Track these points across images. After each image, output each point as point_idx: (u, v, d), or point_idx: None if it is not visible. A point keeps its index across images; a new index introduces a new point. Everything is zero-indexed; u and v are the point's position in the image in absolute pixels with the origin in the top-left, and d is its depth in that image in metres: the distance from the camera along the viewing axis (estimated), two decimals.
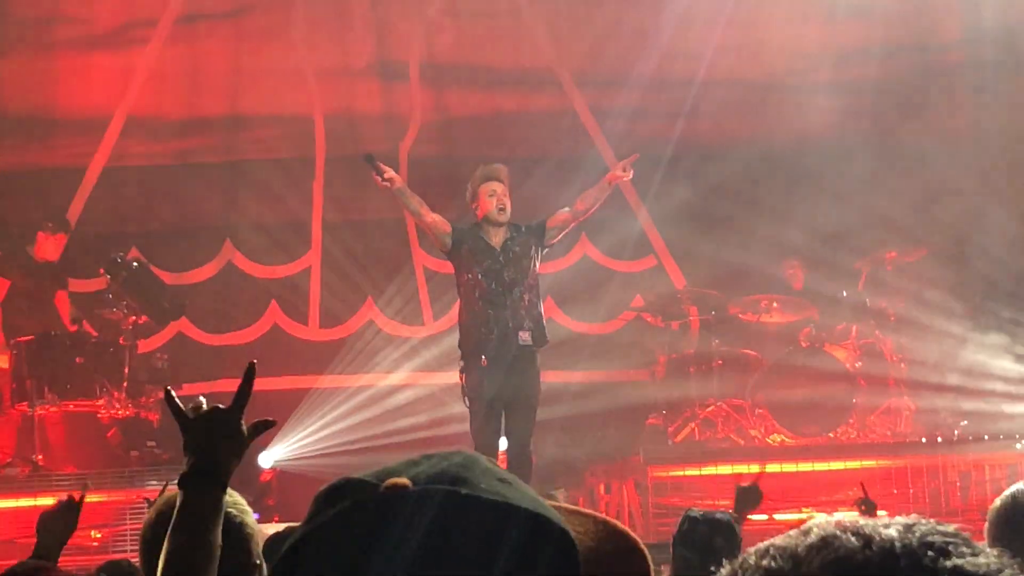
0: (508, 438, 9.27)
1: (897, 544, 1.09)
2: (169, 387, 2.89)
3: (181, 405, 2.79)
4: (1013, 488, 3.55)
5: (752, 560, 1.14)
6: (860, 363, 11.32)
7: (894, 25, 13.03)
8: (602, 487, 11.20)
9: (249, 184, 12.90)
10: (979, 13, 12.88)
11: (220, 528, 2.64)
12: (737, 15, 13.05)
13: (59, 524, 4.70)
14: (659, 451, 10.82)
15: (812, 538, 1.11)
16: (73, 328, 11.35)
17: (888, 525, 1.11)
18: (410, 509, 1.19)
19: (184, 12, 12.91)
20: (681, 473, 10.51)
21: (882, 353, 11.39)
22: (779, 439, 11.11)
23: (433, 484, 1.21)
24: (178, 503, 2.65)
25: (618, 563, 1.47)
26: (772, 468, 10.58)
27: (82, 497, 4.81)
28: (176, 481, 2.67)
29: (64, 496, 4.87)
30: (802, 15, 13.19)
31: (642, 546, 1.50)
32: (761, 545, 1.16)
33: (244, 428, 2.69)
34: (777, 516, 9.52)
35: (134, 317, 11.07)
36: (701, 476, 10.49)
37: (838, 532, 1.11)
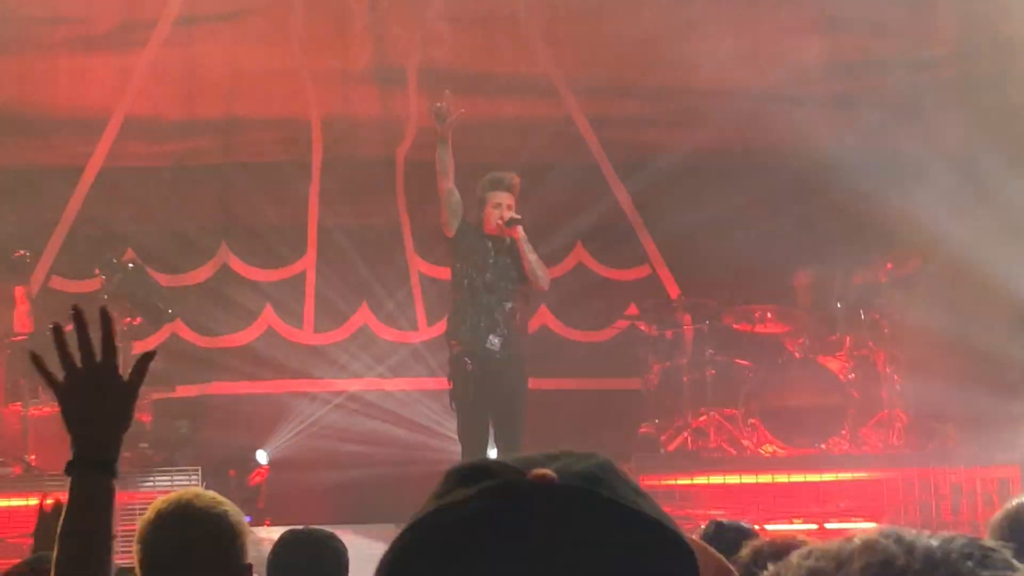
0: (497, 447, 9.33)
1: (938, 552, 1.11)
2: (35, 352, 2.59)
3: (51, 372, 2.52)
4: (1016, 502, 3.55)
5: (795, 561, 1.16)
6: (853, 375, 11.34)
7: (892, 37, 13.07)
8: None
9: (245, 187, 12.90)
10: (977, 25, 12.92)
11: (114, 520, 2.49)
12: (736, 26, 13.08)
13: (57, 525, 4.65)
14: (651, 460, 10.83)
15: (856, 542, 1.14)
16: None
17: (930, 536, 1.13)
18: (555, 503, 1.17)
19: (182, 14, 12.92)
20: (673, 482, 10.53)
21: (875, 365, 11.40)
22: (771, 449, 11.12)
23: (581, 483, 1.19)
24: (68, 497, 2.50)
25: None
26: (764, 479, 10.63)
27: None
28: (64, 469, 2.51)
29: (62, 497, 4.80)
30: (801, 26, 13.22)
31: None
32: (804, 548, 1.18)
33: (125, 376, 2.47)
34: (768, 527, 9.52)
35: (128, 318, 11.07)
36: (693, 485, 10.51)
37: (881, 538, 1.13)
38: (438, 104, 9.53)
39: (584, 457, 1.23)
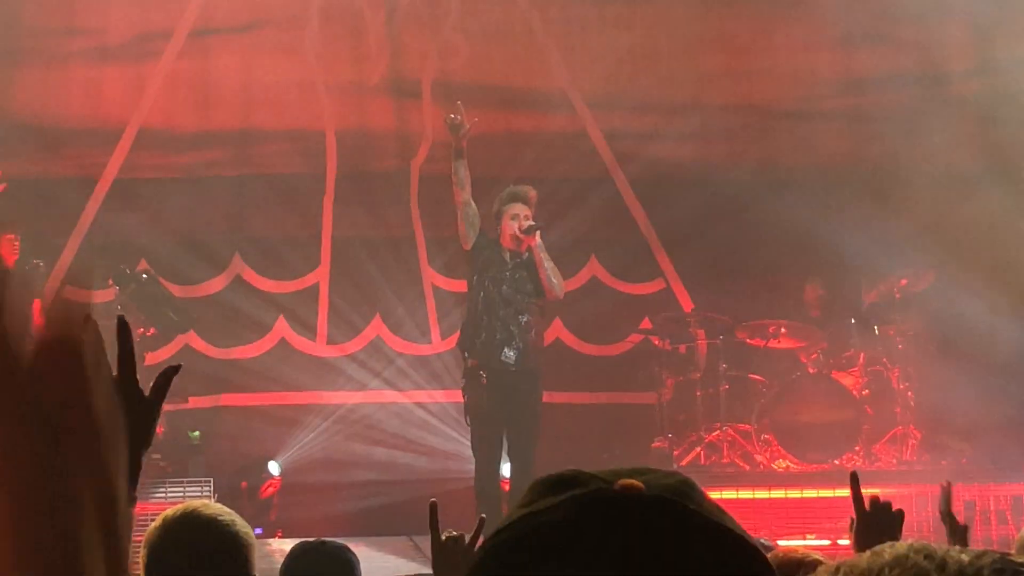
0: (511, 460, 9.32)
1: (969, 568, 1.09)
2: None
3: None
4: None
5: (823, 575, 1.15)
6: (867, 390, 11.31)
7: (906, 53, 13.05)
8: None
9: (259, 198, 12.91)
10: (992, 44, 12.90)
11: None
12: (748, 40, 13.08)
13: None
14: None
15: (885, 557, 1.12)
16: None
17: (961, 551, 1.12)
18: (643, 512, 1.18)
19: (198, 26, 12.95)
20: None
21: (889, 381, 11.38)
22: (785, 465, 11.09)
23: (668, 495, 1.20)
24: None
25: None
26: (777, 494, 10.59)
27: None
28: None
29: None
30: (814, 42, 13.21)
31: None
32: (832, 563, 1.17)
33: (146, 391, 2.26)
34: (780, 542, 9.49)
35: (142, 329, 11.08)
36: None
37: (911, 553, 1.12)
38: (452, 116, 9.56)
39: (669, 474, 1.25)
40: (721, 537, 1.18)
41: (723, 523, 1.19)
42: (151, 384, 2.24)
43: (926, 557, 1.10)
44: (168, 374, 2.30)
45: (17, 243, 11.47)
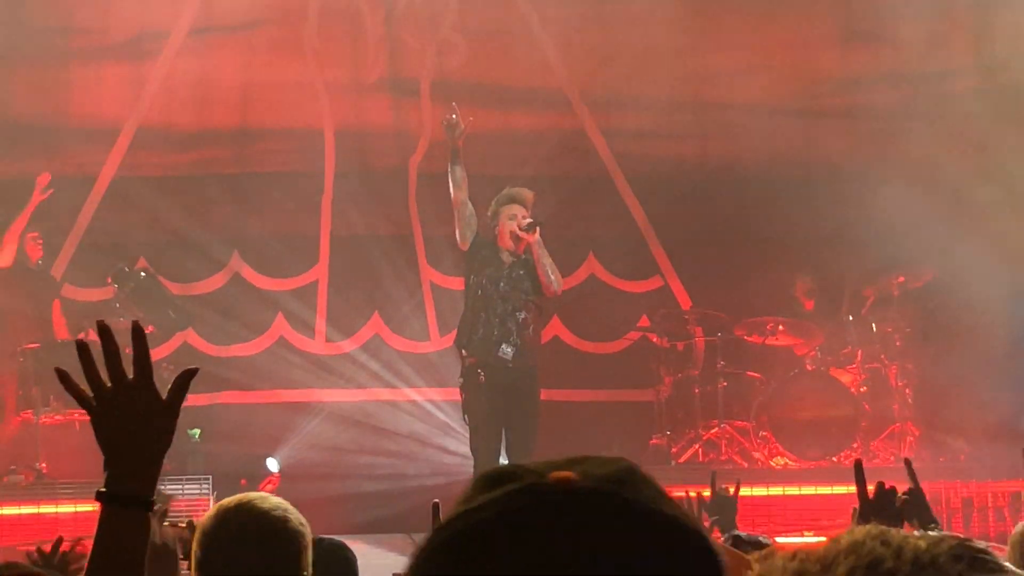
0: (509, 458, 9.33)
1: (926, 555, 1.09)
2: (61, 369, 2.22)
3: (82, 390, 2.21)
4: None
5: (780, 562, 1.15)
6: (865, 388, 11.33)
7: (905, 51, 13.05)
8: None
9: (258, 197, 12.91)
10: (991, 41, 12.91)
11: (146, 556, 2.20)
12: (748, 39, 13.09)
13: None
14: (662, 472, 10.81)
15: (842, 544, 1.12)
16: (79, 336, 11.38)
17: (919, 537, 1.11)
18: (574, 504, 1.18)
19: (196, 25, 12.95)
20: (684, 494, 10.49)
21: (887, 378, 11.39)
22: (783, 462, 11.11)
23: (603, 485, 1.20)
24: (96, 532, 2.19)
25: None
26: (775, 491, 10.61)
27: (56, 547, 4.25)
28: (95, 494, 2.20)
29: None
30: (814, 39, 13.23)
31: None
32: (791, 551, 1.17)
33: (163, 395, 2.20)
34: (778, 539, 9.50)
35: None
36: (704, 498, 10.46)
37: (867, 540, 1.11)
38: (448, 117, 9.59)
39: (609, 461, 1.24)
40: (657, 523, 1.18)
41: (660, 509, 1.19)
42: (168, 387, 2.22)
43: (883, 543, 1.09)
44: (187, 376, 2.24)
45: (40, 240, 11.50)
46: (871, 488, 3.61)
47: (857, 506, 3.60)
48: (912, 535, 1.11)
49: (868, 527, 1.13)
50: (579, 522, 1.16)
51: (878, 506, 3.56)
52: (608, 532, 1.16)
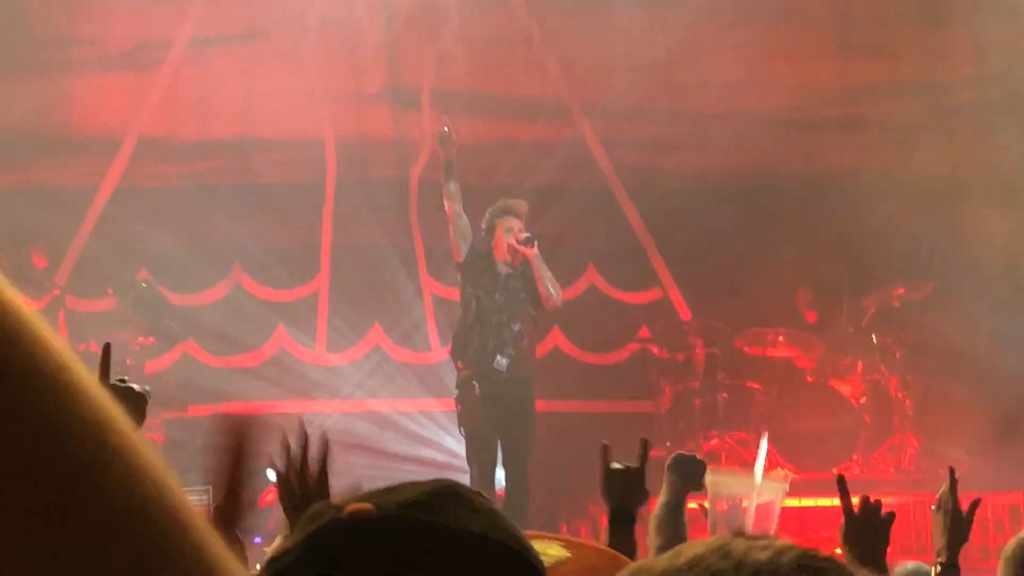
0: (505, 469, 9.33)
1: (767, 568, 1.06)
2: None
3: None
4: None
5: None
6: (865, 399, 11.32)
7: (904, 62, 13.07)
8: (605, 517, 11.16)
9: (259, 207, 12.92)
10: (989, 53, 12.91)
11: None
12: (747, 49, 13.10)
13: None
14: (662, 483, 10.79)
15: (681, 559, 1.09)
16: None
17: (763, 548, 1.08)
18: (369, 536, 1.20)
19: (197, 35, 12.97)
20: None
21: (887, 389, 11.38)
22: (783, 473, 11.09)
23: (400, 511, 1.22)
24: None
25: None
26: None
27: None
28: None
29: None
30: (813, 50, 13.24)
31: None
32: (632, 565, 1.16)
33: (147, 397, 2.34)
34: None
35: (141, 338, 11.09)
36: (704, 509, 10.45)
37: (707, 553, 1.08)
38: (442, 130, 9.62)
39: (422, 485, 1.27)
40: (456, 542, 1.19)
41: (465, 528, 1.20)
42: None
43: (723, 557, 1.07)
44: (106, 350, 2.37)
45: (45, 252, 11.52)
46: (856, 501, 3.60)
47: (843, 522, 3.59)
48: (755, 546, 1.08)
49: (710, 540, 1.11)
50: (371, 551, 1.18)
51: (863, 520, 3.56)
52: (401, 558, 1.18)
